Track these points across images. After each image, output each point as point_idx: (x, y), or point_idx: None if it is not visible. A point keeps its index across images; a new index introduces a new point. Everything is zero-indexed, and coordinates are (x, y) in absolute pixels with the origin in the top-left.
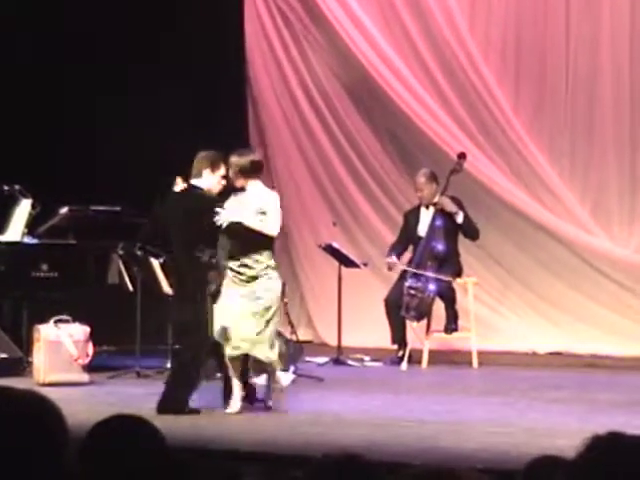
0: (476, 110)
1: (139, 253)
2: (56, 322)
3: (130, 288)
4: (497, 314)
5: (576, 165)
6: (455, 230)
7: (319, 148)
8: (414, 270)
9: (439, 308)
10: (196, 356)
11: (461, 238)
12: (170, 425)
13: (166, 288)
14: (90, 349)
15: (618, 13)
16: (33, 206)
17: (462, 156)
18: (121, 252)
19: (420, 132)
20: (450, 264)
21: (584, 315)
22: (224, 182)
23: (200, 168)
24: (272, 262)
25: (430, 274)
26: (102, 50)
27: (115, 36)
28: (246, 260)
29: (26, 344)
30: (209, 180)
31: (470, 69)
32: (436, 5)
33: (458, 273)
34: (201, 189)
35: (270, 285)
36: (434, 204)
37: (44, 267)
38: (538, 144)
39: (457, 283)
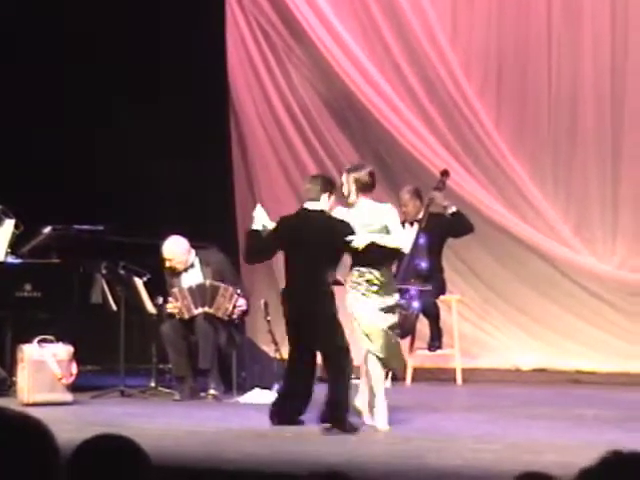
0: (458, 127)
1: (122, 272)
2: (40, 342)
3: (114, 307)
4: (481, 331)
5: (558, 181)
6: (439, 247)
7: (301, 164)
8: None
9: (423, 325)
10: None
11: (445, 255)
12: (154, 444)
13: (150, 307)
14: (74, 368)
15: (600, 29)
16: (16, 226)
17: (445, 173)
18: (104, 271)
19: (402, 148)
20: (434, 281)
21: (568, 331)
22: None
23: (320, 191)
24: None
25: (412, 287)
26: (102, 50)
27: (115, 36)
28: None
29: (10, 364)
30: (327, 204)
31: (452, 85)
32: (417, 21)
33: (442, 290)
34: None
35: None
36: (418, 221)
37: (28, 287)
38: (520, 160)
39: (441, 300)
